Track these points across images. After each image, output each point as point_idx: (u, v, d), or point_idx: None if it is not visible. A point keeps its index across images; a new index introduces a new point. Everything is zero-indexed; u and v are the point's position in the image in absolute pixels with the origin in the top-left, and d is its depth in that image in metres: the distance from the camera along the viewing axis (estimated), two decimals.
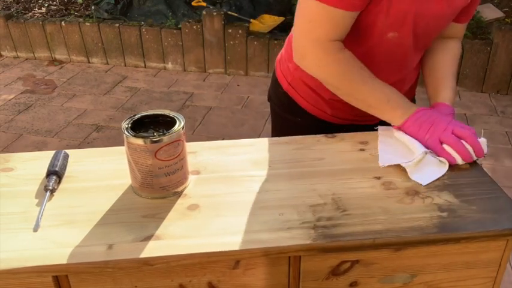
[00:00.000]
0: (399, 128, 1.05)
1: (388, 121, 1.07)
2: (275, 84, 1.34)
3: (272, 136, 1.40)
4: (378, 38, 1.09)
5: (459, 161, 0.98)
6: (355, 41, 1.10)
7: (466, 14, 1.19)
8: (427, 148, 1.00)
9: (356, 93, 1.07)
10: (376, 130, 1.11)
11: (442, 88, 1.18)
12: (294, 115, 1.30)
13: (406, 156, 0.99)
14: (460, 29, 1.23)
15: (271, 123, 1.43)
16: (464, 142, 0.98)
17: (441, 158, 0.98)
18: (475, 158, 0.99)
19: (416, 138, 1.02)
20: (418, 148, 0.99)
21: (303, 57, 1.07)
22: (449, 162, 0.98)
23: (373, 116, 1.18)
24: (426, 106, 1.09)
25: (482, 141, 1.00)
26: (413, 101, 1.38)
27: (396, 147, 1.04)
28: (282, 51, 1.33)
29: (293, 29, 1.08)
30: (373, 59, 1.13)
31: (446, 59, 1.23)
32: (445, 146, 0.98)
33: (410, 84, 1.28)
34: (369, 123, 1.24)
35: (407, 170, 0.96)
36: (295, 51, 1.08)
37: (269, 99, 1.40)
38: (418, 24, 1.07)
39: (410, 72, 1.24)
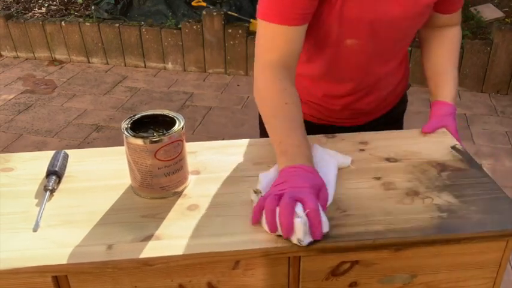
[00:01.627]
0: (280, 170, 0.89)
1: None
2: None
3: (260, 136, 1.39)
4: (336, 45, 1.07)
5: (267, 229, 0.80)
6: (318, 50, 1.10)
7: (452, 2, 1.14)
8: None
9: (267, 125, 0.98)
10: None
11: (442, 84, 1.16)
12: None
13: None
14: (453, 18, 1.19)
15: (259, 126, 1.42)
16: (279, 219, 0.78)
17: None
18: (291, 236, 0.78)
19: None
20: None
21: (255, 75, 1.02)
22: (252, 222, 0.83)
23: (349, 120, 1.19)
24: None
25: (324, 221, 0.79)
26: (403, 101, 1.36)
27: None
28: None
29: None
30: (336, 67, 1.12)
31: (444, 51, 1.20)
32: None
33: (389, 88, 1.24)
34: (345, 125, 1.25)
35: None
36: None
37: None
38: (377, 31, 1.05)
39: (384, 77, 1.19)
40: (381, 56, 1.14)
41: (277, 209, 0.78)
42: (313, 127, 1.18)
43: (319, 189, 0.83)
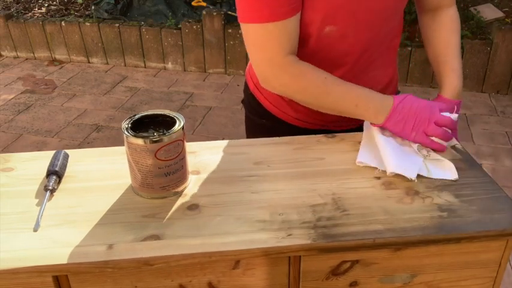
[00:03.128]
0: (382, 126, 1.03)
1: (369, 117, 1.04)
2: (245, 86, 1.32)
3: (247, 137, 1.38)
4: (316, 34, 1.05)
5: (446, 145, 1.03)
6: (300, 43, 1.07)
7: None
8: (415, 142, 1.02)
9: (323, 105, 1.05)
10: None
11: (444, 76, 1.14)
12: (260, 117, 1.27)
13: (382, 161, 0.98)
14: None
15: (245, 126, 1.40)
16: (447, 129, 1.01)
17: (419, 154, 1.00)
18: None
19: (402, 136, 1.02)
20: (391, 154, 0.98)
21: (267, 81, 1.04)
22: (440, 151, 1.02)
23: (346, 122, 1.16)
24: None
25: (454, 116, 1.04)
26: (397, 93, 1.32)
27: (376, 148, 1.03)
28: None
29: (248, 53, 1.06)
30: (320, 59, 1.09)
31: (442, 38, 1.16)
32: (434, 138, 1.01)
33: (377, 88, 1.17)
34: (343, 129, 1.21)
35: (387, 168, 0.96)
36: (258, 76, 1.05)
37: (242, 101, 1.38)
38: (358, 16, 1.03)
39: (372, 74, 1.16)
40: (365, 47, 1.10)
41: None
42: (301, 132, 1.17)
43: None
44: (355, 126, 1.19)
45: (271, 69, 1.01)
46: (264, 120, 1.26)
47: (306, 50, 1.07)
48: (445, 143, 1.02)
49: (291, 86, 1.03)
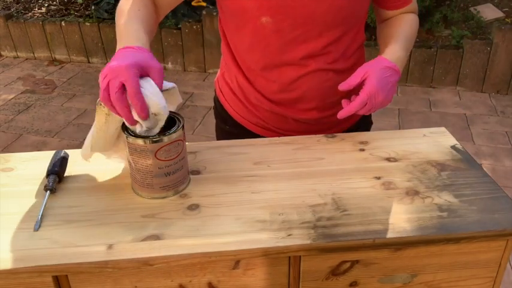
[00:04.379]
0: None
1: None
2: (215, 90, 1.31)
3: (217, 139, 1.34)
4: (252, 23, 1.04)
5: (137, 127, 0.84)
6: (238, 29, 1.09)
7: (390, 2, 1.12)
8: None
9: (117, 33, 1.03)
10: None
11: (388, 44, 1.07)
12: (224, 122, 1.26)
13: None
14: (405, 11, 1.14)
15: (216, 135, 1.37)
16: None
17: None
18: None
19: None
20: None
21: None
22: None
23: (306, 132, 1.13)
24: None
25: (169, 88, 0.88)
26: (366, 123, 1.27)
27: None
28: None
29: None
30: (254, 47, 1.08)
31: (396, 23, 1.13)
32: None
33: (336, 96, 1.12)
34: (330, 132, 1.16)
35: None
36: None
37: (214, 104, 1.35)
38: (294, 12, 1.01)
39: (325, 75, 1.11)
40: (302, 44, 1.06)
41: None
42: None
43: (144, 65, 0.85)
44: (315, 135, 1.12)
45: None
46: (227, 126, 1.26)
47: (244, 38, 1.08)
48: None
49: (118, 8, 1.06)
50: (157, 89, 0.83)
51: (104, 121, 0.86)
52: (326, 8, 1.02)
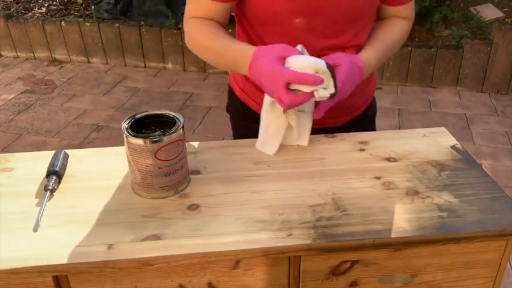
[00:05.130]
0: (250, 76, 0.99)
1: (245, 73, 1.01)
2: (230, 92, 1.31)
3: (234, 138, 1.37)
4: (286, 24, 1.06)
5: (319, 93, 0.91)
6: (268, 32, 1.09)
7: None
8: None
9: (214, 61, 1.09)
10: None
11: (365, 48, 1.11)
12: (251, 121, 1.23)
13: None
14: (402, 11, 1.17)
15: (233, 135, 1.39)
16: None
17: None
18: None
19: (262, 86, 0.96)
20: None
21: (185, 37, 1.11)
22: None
23: (333, 119, 1.16)
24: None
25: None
26: (372, 106, 1.31)
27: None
28: None
29: None
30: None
31: (382, 28, 1.16)
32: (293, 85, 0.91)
33: None
34: (330, 126, 1.19)
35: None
36: None
37: (227, 110, 1.36)
38: (329, 6, 1.03)
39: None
40: (333, 39, 1.09)
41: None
42: None
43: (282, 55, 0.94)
44: (323, 127, 1.16)
45: (186, 23, 1.11)
46: (256, 124, 1.23)
47: (275, 38, 1.07)
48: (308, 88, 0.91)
49: (189, 42, 1.10)
50: (299, 57, 0.93)
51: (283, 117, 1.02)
52: (356, 3, 1.06)
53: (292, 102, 0.90)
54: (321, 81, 0.89)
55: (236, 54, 1.01)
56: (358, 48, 1.13)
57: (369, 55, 1.08)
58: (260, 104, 1.19)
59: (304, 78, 0.88)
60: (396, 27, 1.17)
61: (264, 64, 0.93)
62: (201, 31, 1.07)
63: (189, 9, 1.11)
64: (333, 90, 0.92)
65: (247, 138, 1.25)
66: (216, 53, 1.06)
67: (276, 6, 1.03)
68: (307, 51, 1.00)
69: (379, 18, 1.19)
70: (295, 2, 1.02)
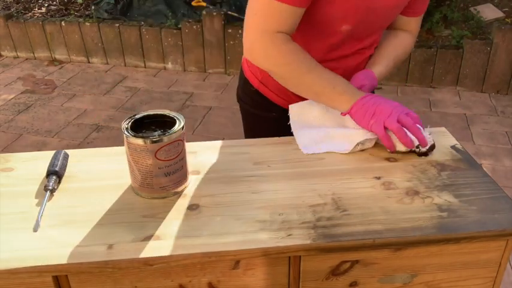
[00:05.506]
0: (348, 114, 1.06)
1: (335, 108, 1.08)
2: (245, 84, 1.35)
3: (245, 137, 1.41)
4: (333, 31, 1.12)
5: (399, 148, 1.02)
6: (315, 37, 1.13)
7: (412, 8, 1.20)
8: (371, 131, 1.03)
9: (302, 82, 1.08)
10: None
11: (378, 63, 1.21)
12: (268, 111, 1.32)
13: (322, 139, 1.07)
14: (411, 23, 1.25)
15: (243, 125, 1.44)
16: (406, 130, 1.00)
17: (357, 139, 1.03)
18: (416, 144, 1.01)
19: (360, 124, 1.04)
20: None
21: (251, 51, 1.08)
22: (388, 148, 1.02)
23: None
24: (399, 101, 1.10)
25: (426, 133, 1.03)
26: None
27: (311, 130, 1.09)
28: None
29: (244, 25, 1.09)
30: (328, 51, 1.16)
31: (392, 43, 1.25)
32: (389, 132, 1.01)
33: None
34: None
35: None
36: (244, 46, 1.09)
37: (239, 100, 1.41)
38: (368, 16, 1.10)
39: (357, 67, 1.25)
40: (362, 39, 1.19)
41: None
42: None
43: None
44: None
45: (262, 39, 1.05)
46: (273, 113, 1.31)
47: (322, 46, 1.14)
48: (399, 143, 1.01)
49: (275, 60, 1.06)
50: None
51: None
52: (393, 16, 1.17)
53: (382, 137, 1.01)
54: (411, 146, 1.01)
55: (342, 84, 1.06)
56: (371, 46, 1.25)
57: (382, 70, 1.20)
58: (278, 95, 1.29)
59: (404, 137, 1.00)
60: (405, 43, 1.27)
61: (383, 98, 1.05)
62: (297, 52, 1.06)
63: (260, 22, 1.04)
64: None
65: (261, 126, 1.34)
66: (312, 77, 1.06)
67: (339, 12, 1.07)
68: (345, 51, 1.17)
69: (392, 27, 1.27)
70: (355, 12, 1.07)
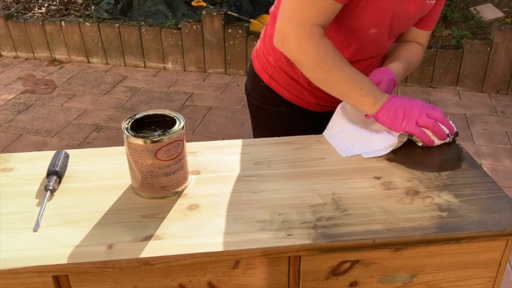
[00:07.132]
0: (373, 117, 1.08)
1: (360, 109, 1.09)
2: (255, 78, 1.36)
3: (253, 132, 1.44)
4: (362, 35, 1.14)
5: (437, 141, 1.05)
6: (344, 41, 1.15)
7: (425, 20, 1.24)
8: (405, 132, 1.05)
9: (330, 78, 1.08)
10: None
11: (394, 63, 1.22)
12: (278, 106, 1.33)
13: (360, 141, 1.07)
14: (422, 36, 1.28)
15: (251, 120, 1.45)
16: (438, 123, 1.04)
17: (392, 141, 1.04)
18: (448, 137, 1.06)
19: (392, 127, 1.05)
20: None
21: (284, 40, 1.08)
22: (428, 144, 1.04)
23: None
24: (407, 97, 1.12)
25: (450, 122, 1.08)
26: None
27: (346, 131, 1.09)
28: (258, 45, 1.36)
29: (278, 13, 1.09)
30: (355, 54, 1.19)
31: (407, 49, 1.28)
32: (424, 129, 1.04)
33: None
34: None
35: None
36: (277, 34, 1.09)
37: (247, 95, 1.42)
38: (394, 21, 1.14)
39: (371, 66, 1.28)
40: (384, 43, 1.22)
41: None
42: (317, 114, 1.28)
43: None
44: (315, 135, 1.25)
45: (297, 29, 1.04)
46: (282, 108, 1.32)
47: (350, 49, 1.17)
48: (434, 138, 1.04)
49: (308, 52, 1.06)
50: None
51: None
52: (412, 22, 1.20)
53: (420, 135, 1.03)
54: (445, 138, 1.05)
55: (369, 86, 1.07)
56: (382, 56, 1.29)
57: (398, 70, 1.21)
58: (289, 90, 1.31)
59: (440, 131, 1.04)
60: (417, 52, 1.29)
61: (407, 98, 1.07)
62: (330, 48, 1.07)
63: (298, 12, 1.04)
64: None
65: (270, 121, 1.37)
66: (341, 75, 1.07)
67: (365, 14, 1.09)
68: (371, 51, 1.21)
69: (399, 39, 1.30)
70: (384, 15, 1.10)
